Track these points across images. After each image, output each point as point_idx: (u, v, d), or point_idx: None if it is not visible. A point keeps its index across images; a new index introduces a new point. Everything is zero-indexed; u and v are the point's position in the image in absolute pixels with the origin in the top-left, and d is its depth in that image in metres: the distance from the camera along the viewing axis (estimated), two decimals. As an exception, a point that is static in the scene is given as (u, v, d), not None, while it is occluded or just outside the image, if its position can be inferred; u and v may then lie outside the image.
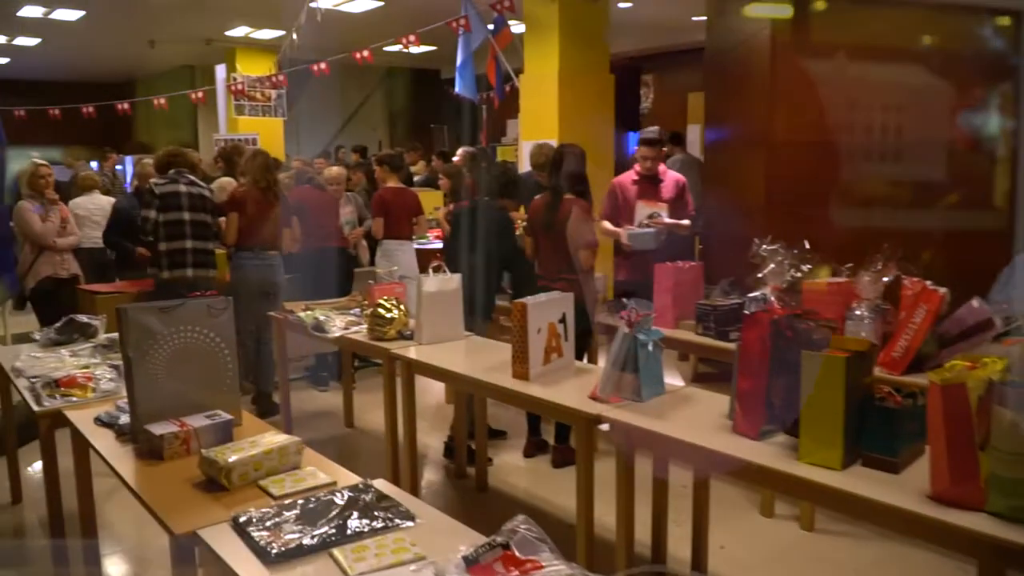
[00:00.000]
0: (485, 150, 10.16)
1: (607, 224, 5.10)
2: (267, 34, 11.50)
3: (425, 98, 15.76)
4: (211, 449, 2.27)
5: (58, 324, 4.04)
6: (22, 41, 11.84)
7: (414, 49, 12.99)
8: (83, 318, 4.09)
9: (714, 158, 7.37)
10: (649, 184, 5.11)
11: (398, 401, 3.91)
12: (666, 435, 2.61)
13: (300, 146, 14.89)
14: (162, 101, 9.07)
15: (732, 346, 3.84)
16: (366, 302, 4.47)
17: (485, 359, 3.68)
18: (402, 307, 4.12)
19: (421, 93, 15.83)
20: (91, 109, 9.69)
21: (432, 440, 4.94)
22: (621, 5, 7.30)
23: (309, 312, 4.58)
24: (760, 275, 4.00)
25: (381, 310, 4.06)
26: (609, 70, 7.27)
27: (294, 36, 8.37)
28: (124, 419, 2.68)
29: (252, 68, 11.90)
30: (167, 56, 13.35)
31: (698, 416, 2.79)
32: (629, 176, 5.19)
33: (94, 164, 12.96)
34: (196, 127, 14.95)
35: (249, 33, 11.44)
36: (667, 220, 5.06)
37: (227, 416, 2.57)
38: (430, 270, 4.03)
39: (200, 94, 9.75)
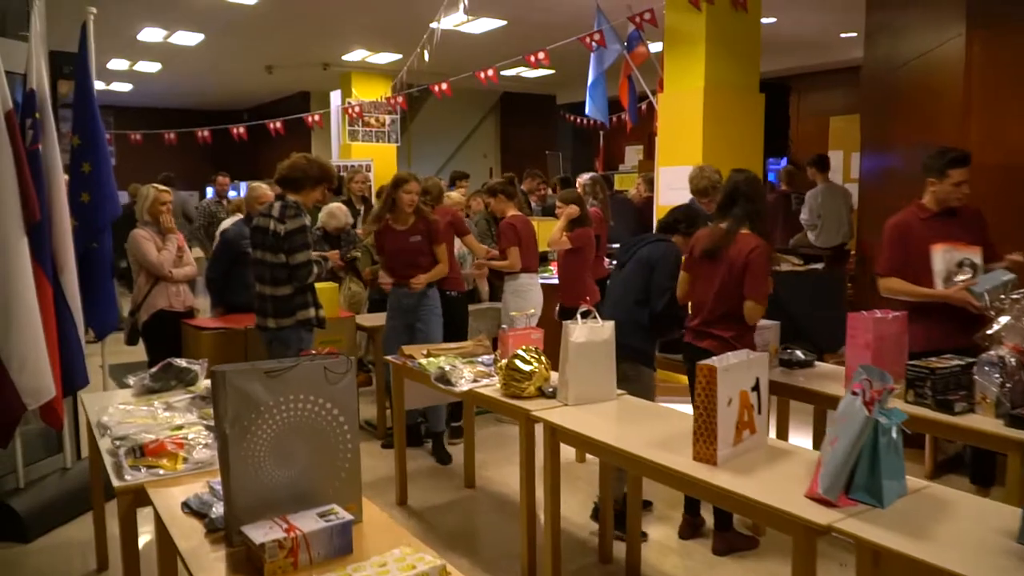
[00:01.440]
0: (607, 177, 9.51)
1: (900, 284, 3.94)
2: (384, 58, 11.21)
3: (539, 124, 15.26)
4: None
5: (154, 370, 3.57)
6: (143, 67, 11.95)
7: (530, 73, 12.56)
8: (182, 363, 3.61)
9: (874, 187, 6.51)
10: (945, 221, 3.91)
11: (525, 460, 3.26)
12: (943, 568, 1.86)
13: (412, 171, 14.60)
14: (278, 125, 8.81)
15: (960, 421, 3.07)
16: (499, 352, 3.85)
17: (648, 428, 3.00)
18: (543, 359, 3.47)
19: (535, 119, 15.34)
20: (206, 133, 9.53)
21: (565, 504, 4.26)
22: (764, 20, 6.54)
23: (432, 359, 3.99)
24: (993, 330, 3.20)
25: (519, 362, 3.43)
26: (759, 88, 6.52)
27: (424, 56, 7.93)
28: (217, 509, 2.12)
29: (367, 93, 11.64)
30: (283, 83, 13.30)
31: (969, 533, 2.04)
32: (913, 213, 3.99)
33: (209, 191, 13.03)
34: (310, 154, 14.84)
35: (366, 57, 11.19)
36: (978, 263, 3.82)
37: (345, 516, 1.96)
38: (578, 316, 3.38)
39: (316, 117, 9.46)
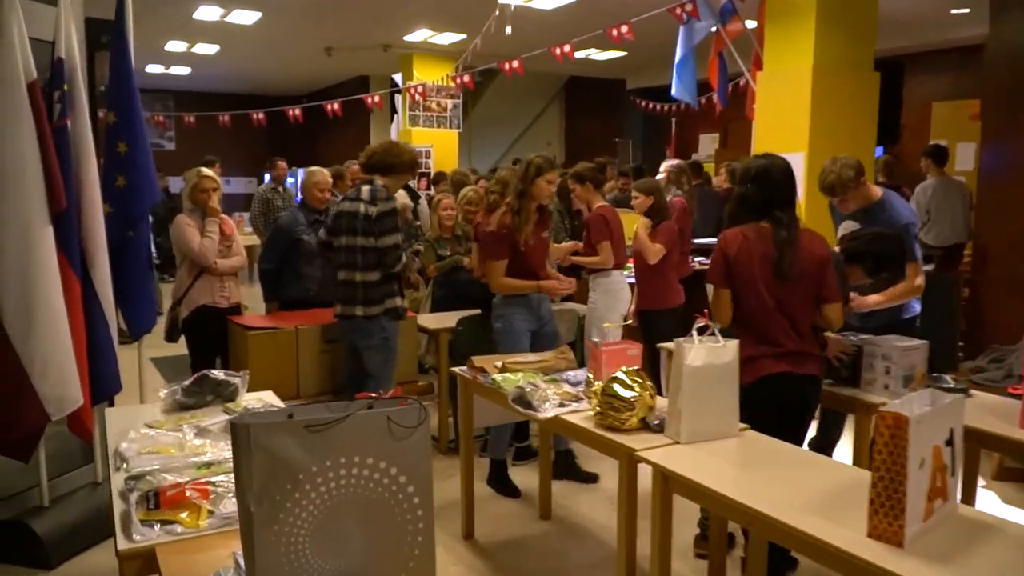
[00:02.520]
0: (698, 165, 8.80)
1: None
2: (447, 38, 10.64)
3: (607, 110, 14.54)
4: None
5: (187, 382, 3.06)
6: (201, 49, 11.58)
7: (600, 56, 11.87)
8: (219, 375, 3.10)
9: (998, 183, 5.74)
10: None
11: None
12: None
13: (472, 160, 14.07)
14: (335, 107, 8.33)
15: None
16: (588, 369, 3.25)
17: (791, 481, 2.37)
18: (648, 384, 2.86)
19: (603, 105, 14.62)
20: (261, 116, 9.10)
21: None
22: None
23: (508, 375, 3.41)
24: None
25: (618, 387, 2.82)
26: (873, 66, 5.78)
27: (493, 30, 7.36)
28: (243, 603, 1.56)
29: (429, 76, 11.09)
30: (342, 65, 12.84)
31: None
32: None
33: (267, 177, 12.65)
34: (368, 140, 14.39)
35: (428, 38, 10.63)
36: None
37: (416, 633, 1.39)
38: (694, 332, 2.75)
39: (376, 98, 8.95)
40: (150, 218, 4.14)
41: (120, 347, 3.86)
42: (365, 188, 4.20)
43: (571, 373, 3.48)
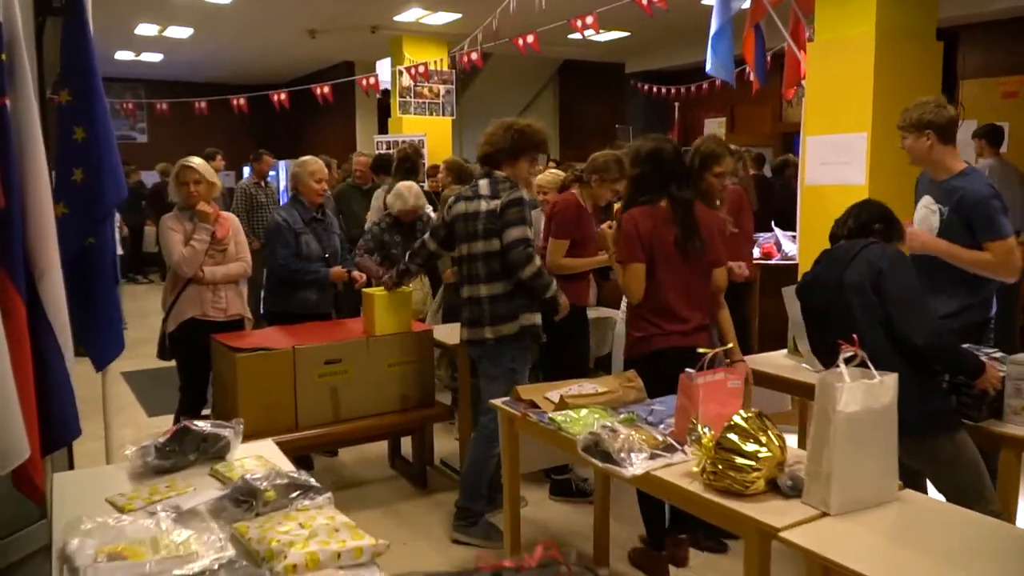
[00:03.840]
0: (761, 155, 8.09)
1: None
2: (441, 18, 9.87)
3: (604, 96, 13.82)
4: None
5: (162, 439, 2.35)
6: (174, 32, 10.73)
7: (600, 37, 11.16)
8: (204, 427, 2.40)
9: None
10: None
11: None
12: None
13: (463, 150, 13.34)
14: (326, 90, 7.59)
15: None
16: (678, 409, 2.56)
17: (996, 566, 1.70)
18: (777, 435, 2.17)
19: (600, 90, 13.91)
20: (242, 102, 8.32)
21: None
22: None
23: (572, 415, 2.72)
24: None
25: (735, 437, 2.14)
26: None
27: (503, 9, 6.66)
28: None
29: (421, 59, 10.34)
30: (326, 51, 12.06)
31: None
32: None
33: (246, 170, 11.86)
34: (354, 131, 13.62)
35: (421, 18, 9.85)
36: None
37: None
38: (840, 362, 2.07)
39: (372, 80, 8.17)
40: (117, 220, 3.38)
41: (78, 358, 3.12)
42: (483, 182, 3.60)
43: (641, 407, 2.79)
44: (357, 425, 4.00)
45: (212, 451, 2.37)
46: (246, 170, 12.40)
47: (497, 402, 3.06)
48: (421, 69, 9.47)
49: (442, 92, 10.80)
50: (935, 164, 3.37)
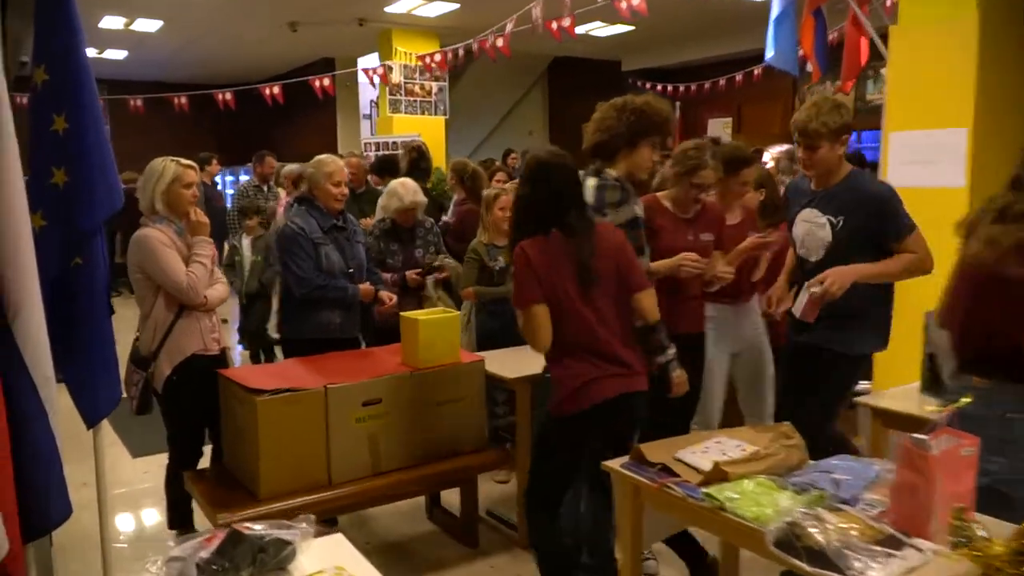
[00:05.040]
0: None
1: None
2: (435, 9, 9.16)
3: (597, 94, 13.13)
4: None
5: (207, 548, 1.64)
6: (142, 25, 9.87)
7: (604, 31, 10.56)
8: (259, 531, 1.70)
9: None
10: None
11: None
12: None
13: (449, 151, 12.65)
14: (326, 82, 6.87)
15: None
16: (917, 487, 1.91)
17: None
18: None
19: (593, 89, 13.24)
20: (228, 96, 7.54)
21: None
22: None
23: (733, 490, 2.06)
24: None
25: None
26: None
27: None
28: None
29: (412, 52, 9.65)
30: (305, 45, 11.28)
31: None
32: None
33: (233, 174, 11.11)
34: (334, 132, 12.85)
35: (413, 8, 9.14)
36: None
37: None
38: None
39: (380, 70, 7.44)
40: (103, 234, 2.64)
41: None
42: (590, 184, 2.97)
43: (822, 477, 2.14)
44: (401, 478, 3.31)
45: (273, 563, 1.67)
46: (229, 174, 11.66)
47: (615, 465, 2.39)
48: (427, 60, 8.66)
49: (434, 90, 10.12)
50: (830, 171, 3.13)
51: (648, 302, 2.79)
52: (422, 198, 4.35)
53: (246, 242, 5.93)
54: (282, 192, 7.45)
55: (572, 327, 2.68)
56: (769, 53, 5.10)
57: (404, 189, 4.29)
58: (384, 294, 3.90)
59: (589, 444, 2.75)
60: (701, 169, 3.12)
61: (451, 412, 3.44)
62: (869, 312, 3.13)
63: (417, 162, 5.39)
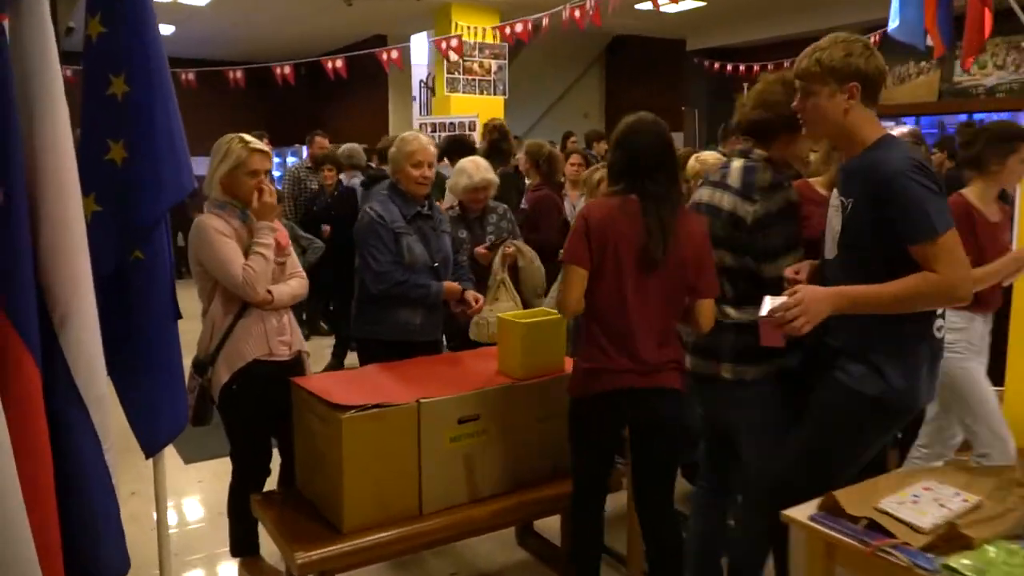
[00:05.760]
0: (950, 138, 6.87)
1: None
2: (499, -19, 8.68)
3: (659, 76, 12.62)
4: None
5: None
6: (189, -1, 9.51)
7: (670, 8, 9.96)
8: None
9: None
10: None
11: None
12: None
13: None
14: (394, 55, 6.42)
15: None
16: None
17: None
18: None
19: (653, 69, 12.70)
20: (288, 70, 7.11)
21: None
22: None
23: (974, 559, 1.57)
24: None
25: None
26: None
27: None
28: None
29: (471, 33, 9.15)
30: (358, 21, 10.84)
31: None
32: None
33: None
34: (386, 114, 12.41)
35: (474, -20, 8.67)
36: None
37: None
38: None
39: (395, 53, 6.97)
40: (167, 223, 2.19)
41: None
42: (735, 165, 2.52)
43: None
44: (500, 506, 2.84)
45: None
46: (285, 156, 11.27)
47: (800, 516, 1.90)
48: (469, 41, 8.14)
49: (493, 68, 9.64)
50: (848, 136, 2.18)
51: (709, 312, 2.46)
52: (494, 177, 3.87)
53: None
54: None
55: (606, 303, 2.43)
56: (893, 23, 4.54)
57: (474, 166, 3.81)
58: (471, 294, 3.44)
59: (606, 435, 2.58)
60: None
61: (555, 429, 2.95)
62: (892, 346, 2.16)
63: (498, 143, 4.90)
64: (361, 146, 6.67)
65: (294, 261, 3.06)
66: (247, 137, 2.86)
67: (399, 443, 2.66)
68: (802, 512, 1.91)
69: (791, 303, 2.03)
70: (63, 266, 1.75)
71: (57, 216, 1.70)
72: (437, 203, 4.17)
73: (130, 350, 2.05)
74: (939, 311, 2.19)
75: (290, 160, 11.36)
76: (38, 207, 1.70)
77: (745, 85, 10.78)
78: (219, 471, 3.60)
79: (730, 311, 2.47)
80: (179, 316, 2.17)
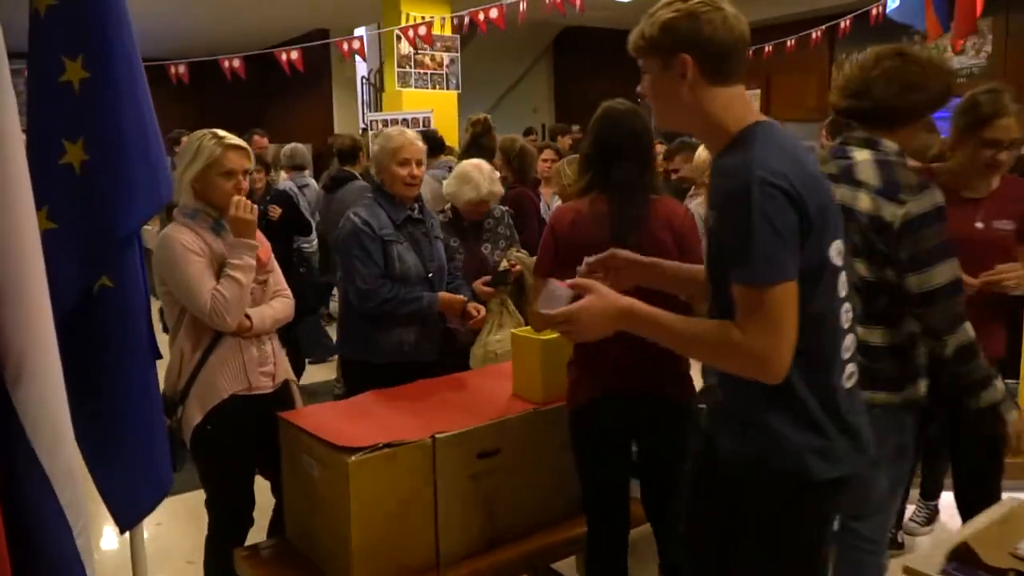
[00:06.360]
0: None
1: None
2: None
3: (610, 67, 12.31)
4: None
5: None
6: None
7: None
8: None
9: None
10: None
11: None
12: None
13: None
14: (294, 56, 5.99)
15: None
16: None
17: None
18: None
19: (605, 61, 12.39)
20: (236, 64, 6.55)
21: None
22: None
23: None
24: None
25: None
26: None
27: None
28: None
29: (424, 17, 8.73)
30: (294, 13, 10.30)
31: None
32: None
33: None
34: (330, 112, 11.89)
35: (424, -31, 8.24)
36: None
37: None
38: None
39: (356, 43, 6.54)
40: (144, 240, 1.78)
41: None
42: (863, 157, 2.09)
43: None
44: (524, 549, 2.50)
45: None
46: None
47: (925, 566, 1.61)
48: (422, 31, 7.73)
49: (446, 61, 9.23)
50: (701, 128, 1.66)
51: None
52: (499, 188, 3.51)
53: None
54: (283, 174, 6.61)
55: None
56: (893, 4, 4.33)
57: (480, 174, 3.42)
58: (473, 306, 3.07)
59: (606, 444, 2.37)
60: (998, 118, 2.34)
61: (579, 457, 2.63)
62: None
63: (479, 139, 4.52)
64: (306, 146, 6.21)
65: (278, 278, 2.66)
66: (220, 132, 2.45)
67: (413, 485, 2.30)
68: (928, 564, 1.62)
69: (564, 313, 1.62)
70: (15, 303, 1.34)
71: (5, 240, 1.30)
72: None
73: (97, 406, 1.64)
74: (846, 353, 1.63)
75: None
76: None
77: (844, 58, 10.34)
78: (180, 510, 3.18)
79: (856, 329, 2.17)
80: (158, 356, 1.76)
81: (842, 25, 7.32)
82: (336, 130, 10.83)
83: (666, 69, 1.58)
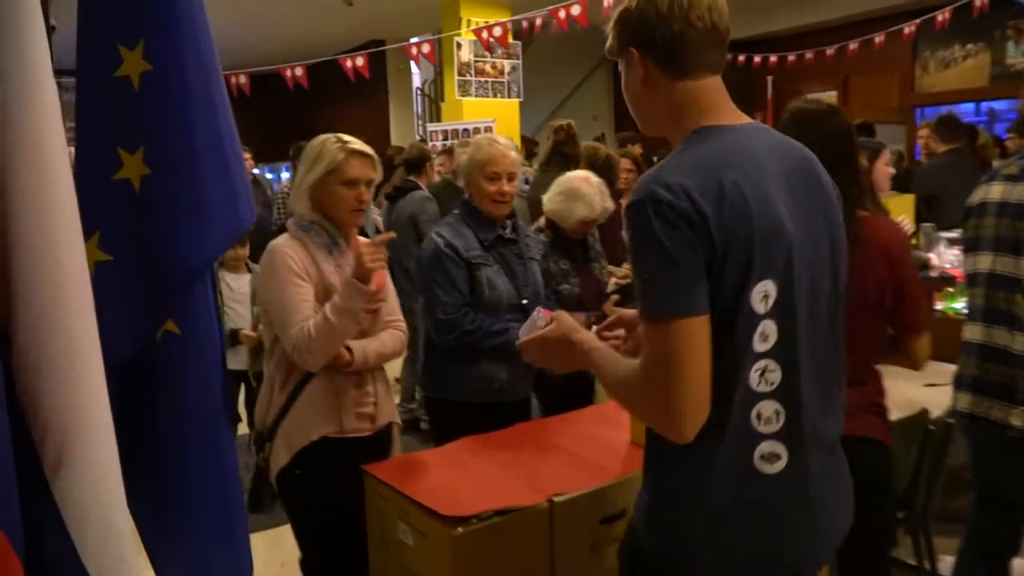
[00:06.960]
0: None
1: None
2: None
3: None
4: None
5: None
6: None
7: None
8: None
9: None
10: None
11: None
12: None
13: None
14: (360, 63, 5.72)
15: None
16: None
17: None
18: None
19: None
20: (299, 72, 6.35)
21: None
22: None
23: None
24: None
25: None
26: None
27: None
28: None
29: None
30: (356, 24, 10.10)
31: None
32: None
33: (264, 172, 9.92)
34: (387, 119, 11.66)
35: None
36: None
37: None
38: None
39: (427, 48, 6.22)
40: (214, 277, 1.44)
41: None
42: None
43: None
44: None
45: None
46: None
47: None
48: (497, 31, 7.30)
49: (507, 68, 8.90)
50: (670, 131, 1.38)
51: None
52: (611, 203, 3.10)
53: None
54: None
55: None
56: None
57: (591, 188, 2.98)
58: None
59: None
60: None
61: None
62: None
63: (562, 146, 4.12)
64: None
65: (392, 307, 2.30)
66: (346, 137, 2.13)
67: (527, 559, 1.92)
68: None
69: (525, 342, 1.52)
70: (56, 367, 1.01)
71: (43, 284, 0.96)
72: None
73: (159, 485, 1.30)
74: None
75: (284, 176, 10.61)
76: (13, 274, 0.96)
77: (770, 78, 10.04)
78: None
79: (1017, 340, 1.87)
80: (237, 419, 1.42)
81: (939, 19, 6.82)
82: (392, 142, 10.58)
83: (627, 68, 1.40)
